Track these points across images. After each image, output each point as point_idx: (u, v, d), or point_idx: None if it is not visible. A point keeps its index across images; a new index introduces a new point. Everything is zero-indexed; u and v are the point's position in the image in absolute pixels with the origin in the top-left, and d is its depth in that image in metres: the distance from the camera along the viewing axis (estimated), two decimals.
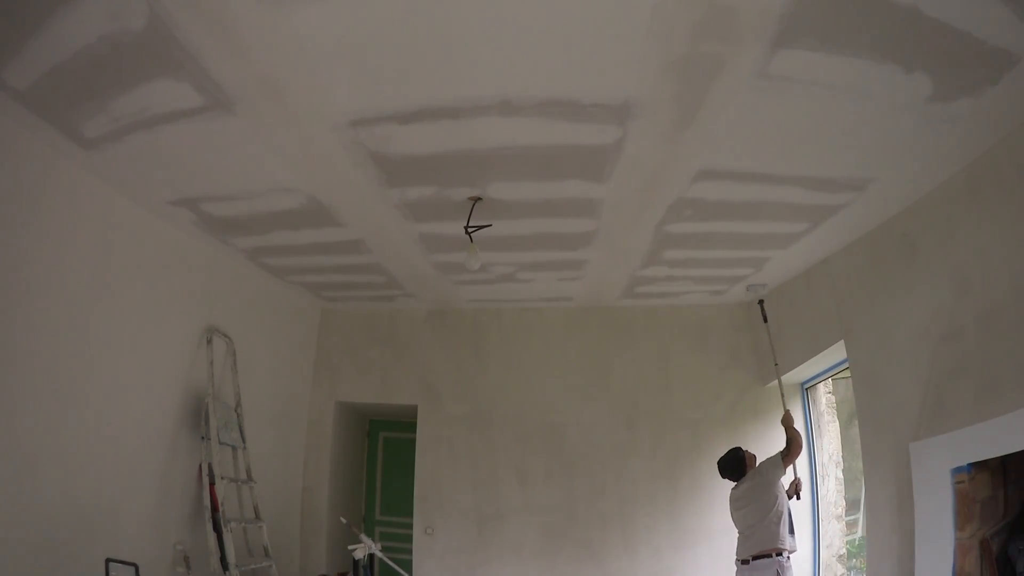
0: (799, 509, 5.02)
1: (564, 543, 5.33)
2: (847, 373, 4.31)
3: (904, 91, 2.48)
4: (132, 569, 3.04)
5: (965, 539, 2.82)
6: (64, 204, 3.19)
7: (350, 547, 4.58)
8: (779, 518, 3.91)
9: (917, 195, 3.37)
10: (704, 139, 2.90)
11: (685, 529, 5.24)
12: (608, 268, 4.73)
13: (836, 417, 5.21)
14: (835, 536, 5.01)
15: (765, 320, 5.08)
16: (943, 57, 2.28)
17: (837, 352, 4.33)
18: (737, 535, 4.16)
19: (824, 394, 5.21)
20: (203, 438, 4.16)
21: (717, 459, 4.38)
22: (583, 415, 5.57)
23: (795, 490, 4.29)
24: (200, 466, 4.10)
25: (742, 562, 4.00)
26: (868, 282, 3.88)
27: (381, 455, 6.58)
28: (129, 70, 2.43)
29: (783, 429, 4.32)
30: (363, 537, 4.61)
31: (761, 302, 5.14)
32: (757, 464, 4.26)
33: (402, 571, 4.77)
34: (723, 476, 4.35)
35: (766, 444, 5.07)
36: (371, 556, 4.76)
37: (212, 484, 4.01)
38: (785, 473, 4.09)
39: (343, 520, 5.06)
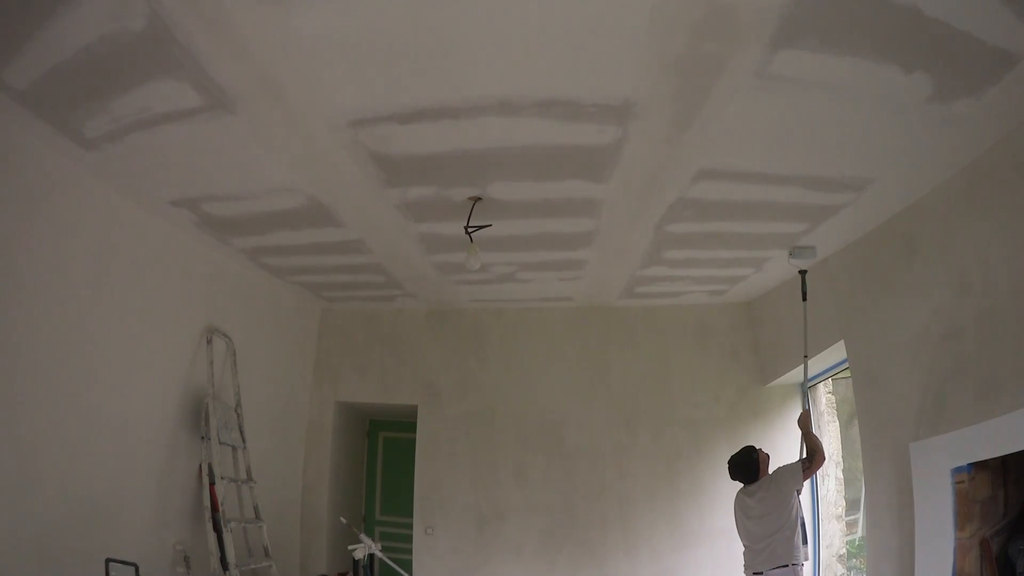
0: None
1: (564, 543, 5.33)
2: (847, 373, 4.31)
3: (904, 91, 2.48)
4: (132, 569, 3.05)
5: (965, 539, 2.82)
6: (64, 204, 3.19)
7: (350, 547, 4.58)
8: (793, 531, 3.62)
9: (917, 195, 3.37)
10: (704, 139, 2.90)
11: (685, 529, 5.24)
12: (608, 268, 4.73)
13: (836, 417, 5.21)
14: (835, 536, 5.01)
15: (804, 297, 4.22)
16: (943, 57, 2.28)
17: (837, 352, 4.33)
18: (745, 546, 3.86)
19: (824, 394, 5.20)
20: (203, 438, 4.16)
21: (728, 457, 4.03)
22: (583, 415, 5.57)
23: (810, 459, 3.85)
24: (200, 466, 4.10)
25: (755, 574, 3.73)
26: (868, 282, 3.88)
27: (381, 455, 6.58)
28: (129, 70, 2.43)
29: (800, 432, 3.93)
30: (363, 537, 4.61)
31: (803, 273, 4.29)
32: (771, 468, 3.91)
33: (402, 571, 4.77)
34: (733, 477, 3.98)
35: (766, 445, 5.03)
36: (371, 556, 4.76)
37: (212, 484, 4.01)
38: (803, 485, 3.75)
39: (343, 520, 5.06)
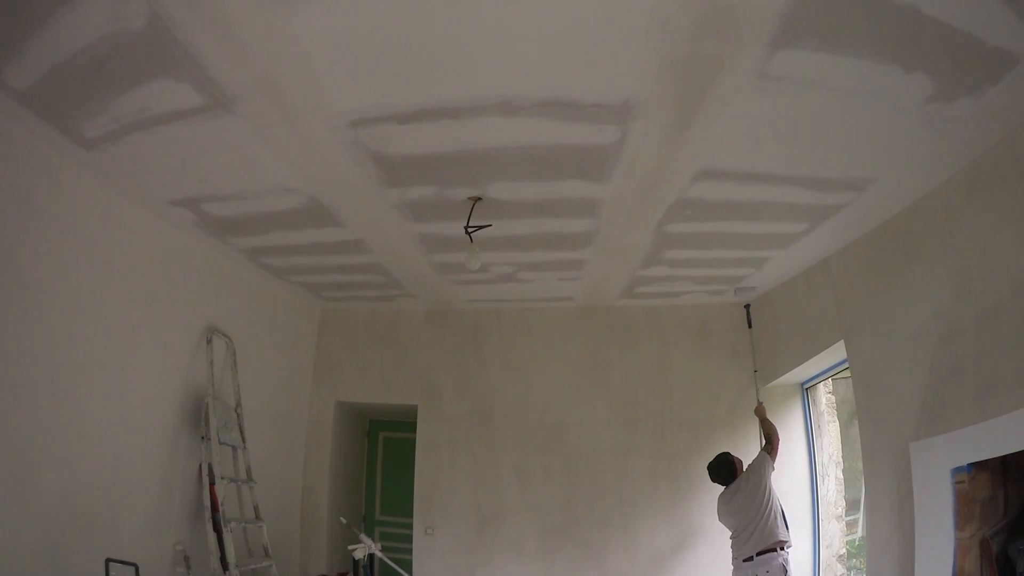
0: (799, 509, 5.03)
1: (564, 543, 5.33)
2: (847, 373, 4.31)
3: (904, 91, 2.48)
4: (132, 569, 3.04)
5: (965, 539, 2.82)
6: (64, 204, 3.19)
7: (350, 547, 4.58)
8: (776, 513, 4.03)
9: (917, 195, 3.37)
10: (704, 139, 2.90)
11: (685, 529, 5.24)
12: (608, 268, 4.73)
13: (836, 417, 5.21)
14: (835, 536, 5.01)
15: (750, 325, 5.29)
16: (943, 57, 2.28)
17: (837, 352, 4.33)
18: (732, 537, 4.22)
19: (824, 394, 5.20)
20: (203, 438, 4.16)
21: (707, 465, 4.48)
22: (583, 415, 5.57)
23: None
24: (200, 466, 4.10)
25: (744, 560, 4.03)
26: (868, 282, 3.88)
27: (381, 455, 6.58)
28: (129, 70, 2.43)
29: (766, 425, 4.53)
30: (363, 537, 4.61)
31: (747, 306, 5.27)
32: (744, 467, 4.36)
33: (402, 571, 4.77)
34: (714, 480, 4.43)
35: (759, 442, 5.07)
36: (371, 556, 4.76)
37: (212, 484, 4.01)
38: (774, 468, 4.24)
39: (343, 520, 5.06)
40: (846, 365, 4.28)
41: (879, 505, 3.69)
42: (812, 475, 5.17)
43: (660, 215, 3.75)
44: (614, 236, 4.07)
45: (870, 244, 3.85)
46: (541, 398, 5.66)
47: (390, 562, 4.77)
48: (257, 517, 4.46)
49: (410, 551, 5.49)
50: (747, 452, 4.69)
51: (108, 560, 3.04)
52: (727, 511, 4.27)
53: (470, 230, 3.68)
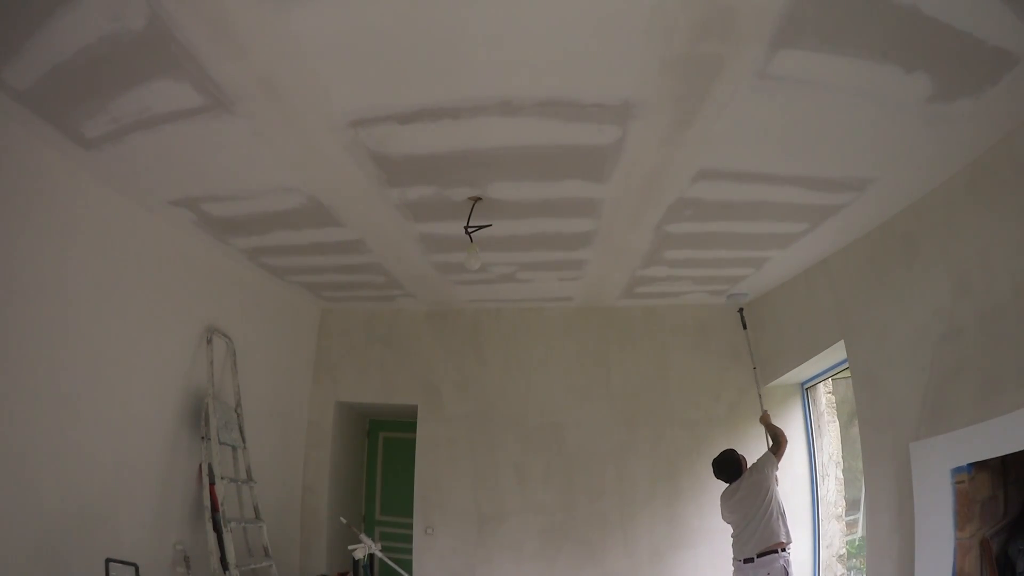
0: (799, 509, 5.03)
1: (564, 543, 5.33)
2: (847, 373, 4.31)
3: (904, 91, 2.48)
4: (132, 569, 3.04)
5: (965, 539, 2.82)
6: (64, 204, 3.19)
7: (350, 547, 4.59)
8: (778, 513, 4.02)
9: (917, 195, 3.37)
10: (704, 139, 2.90)
11: (685, 529, 5.24)
12: (608, 268, 4.73)
13: (836, 417, 5.21)
14: (835, 536, 5.01)
15: (744, 327, 5.37)
16: (943, 57, 2.28)
17: (837, 352, 4.33)
18: (733, 535, 4.21)
19: (824, 394, 5.20)
20: (203, 438, 4.16)
21: (712, 459, 4.46)
22: (583, 415, 5.57)
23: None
24: (200, 466, 4.10)
25: (744, 560, 4.02)
26: (868, 282, 3.88)
27: (381, 455, 6.58)
28: (129, 70, 2.43)
29: (772, 429, 4.53)
30: (363, 537, 4.61)
31: (741, 310, 5.38)
32: (749, 465, 4.34)
33: (402, 571, 4.77)
34: (718, 476, 4.40)
35: (766, 444, 5.07)
36: (371, 556, 4.76)
37: (212, 484, 4.01)
38: (778, 468, 4.22)
39: (343, 520, 5.06)
40: (846, 365, 4.29)
41: (879, 505, 3.69)
42: (812, 475, 5.17)
43: (660, 215, 3.75)
44: (614, 236, 4.07)
45: (870, 244, 3.85)
46: (541, 398, 5.65)
47: (390, 562, 4.77)
48: (257, 517, 4.46)
49: (410, 551, 5.49)
50: (746, 452, 4.68)
51: (108, 560, 3.04)
52: (729, 508, 4.26)
53: (470, 230, 3.68)
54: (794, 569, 4.02)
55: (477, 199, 3.52)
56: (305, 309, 5.82)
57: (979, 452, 2.84)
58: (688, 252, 4.37)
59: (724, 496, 4.35)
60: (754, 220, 3.78)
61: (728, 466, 4.35)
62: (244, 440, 4.56)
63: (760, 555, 3.95)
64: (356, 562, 4.72)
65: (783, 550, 3.95)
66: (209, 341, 4.34)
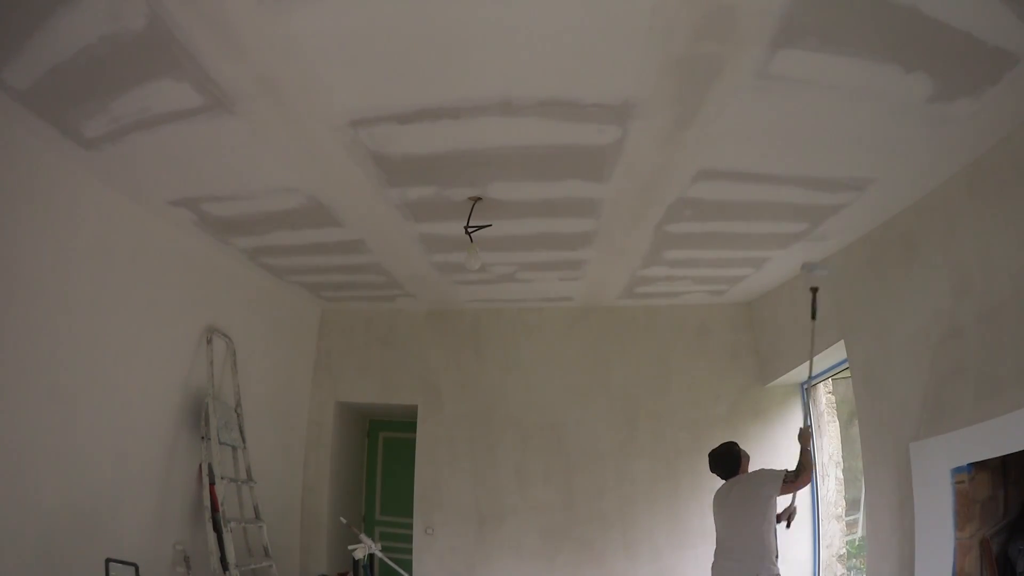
0: (799, 509, 5.01)
1: (564, 543, 5.33)
2: (847, 373, 4.31)
3: (904, 91, 2.47)
4: (132, 569, 3.04)
5: (965, 539, 2.82)
6: (64, 204, 3.19)
7: (350, 547, 4.58)
8: (764, 540, 3.49)
9: (917, 195, 3.37)
10: (704, 139, 2.89)
11: (685, 529, 5.24)
12: (608, 268, 4.72)
13: (836, 417, 5.21)
14: (835, 536, 5.01)
15: (814, 316, 3.98)
16: (943, 57, 2.28)
17: (837, 352, 4.33)
18: (716, 545, 3.75)
19: (824, 394, 5.20)
20: (203, 438, 4.16)
21: (709, 451, 3.96)
22: (583, 415, 5.57)
23: (788, 518, 3.89)
24: (200, 466, 4.10)
25: None
26: (868, 282, 3.88)
27: (381, 455, 6.58)
28: (129, 70, 2.43)
29: (798, 443, 3.77)
30: (363, 537, 4.61)
31: (815, 291, 4.03)
32: (751, 468, 3.89)
33: (402, 571, 4.77)
34: (713, 470, 3.92)
35: (767, 444, 5.08)
36: (371, 556, 4.76)
37: (212, 484, 4.01)
38: (779, 496, 3.61)
39: (343, 520, 5.06)
40: (846, 365, 4.28)
41: (879, 505, 3.69)
42: (812, 475, 5.16)
43: (660, 215, 3.75)
44: (614, 236, 4.07)
45: (870, 244, 3.85)
46: (541, 398, 5.65)
47: (390, 562, 4.76)
48: (257, 517, 4.46)
49: (410, 551, 5.49)
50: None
51: (108, 560, 3.04)
52: (718, 506, 3.80)
53: (470, 230, 3.68)
54: (793, 569, 3.84)
55: (477, 199, 3.51)
56: (305, 309, 5.82)
57: (979, 452, 2.84)
58: (688, 252, 4.37)
59: (717, 495, 3.87)
60: (754, 220, 3.78)
61: (724, 460, 3.86)
62: (244, 440, 4.56)
63: None
64: (356, 562, 4.72)
65: None
66: (209, 341, 4.34)
